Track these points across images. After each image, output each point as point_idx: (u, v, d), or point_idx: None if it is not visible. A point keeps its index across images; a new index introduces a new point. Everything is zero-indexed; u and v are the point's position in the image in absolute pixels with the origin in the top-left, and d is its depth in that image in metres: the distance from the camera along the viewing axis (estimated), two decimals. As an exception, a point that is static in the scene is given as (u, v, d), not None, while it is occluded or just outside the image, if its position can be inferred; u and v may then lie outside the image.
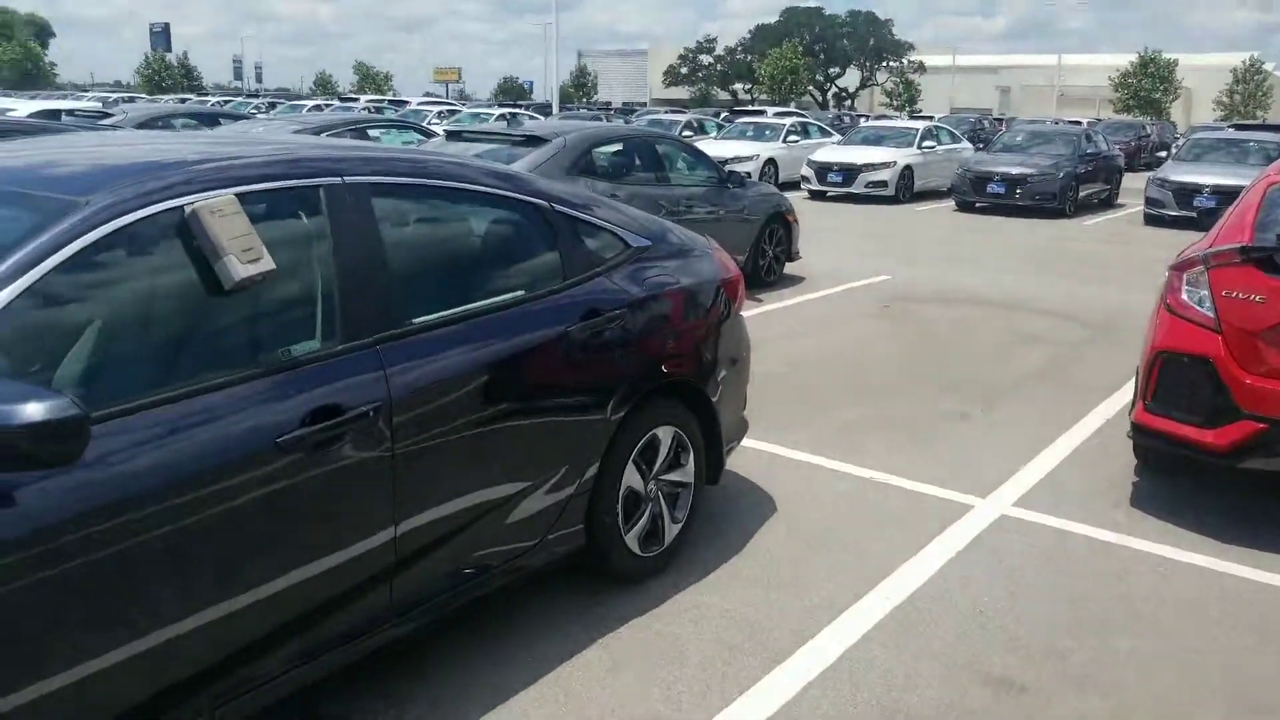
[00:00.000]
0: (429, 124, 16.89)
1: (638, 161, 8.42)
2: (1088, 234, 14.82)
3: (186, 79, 77.96)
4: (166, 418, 2.12)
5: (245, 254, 2.29)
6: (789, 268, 9.89)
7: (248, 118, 14.46)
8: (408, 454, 2.55)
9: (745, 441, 4.45)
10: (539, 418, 3.00)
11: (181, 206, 2.28)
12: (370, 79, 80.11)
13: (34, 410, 1.75)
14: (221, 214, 2.29)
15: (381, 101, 31.23)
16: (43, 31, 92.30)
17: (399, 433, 2.53)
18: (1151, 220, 15.89)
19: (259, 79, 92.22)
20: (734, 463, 4.46)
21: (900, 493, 4.48)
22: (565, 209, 3.33)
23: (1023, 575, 3.71)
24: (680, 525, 3.67)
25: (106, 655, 2.02)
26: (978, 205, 17.27)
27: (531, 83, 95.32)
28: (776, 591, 3.53)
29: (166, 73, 77.01)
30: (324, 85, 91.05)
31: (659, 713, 2.81)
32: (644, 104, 62.68)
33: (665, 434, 3.53)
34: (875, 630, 3.29)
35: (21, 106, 13.32)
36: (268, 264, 2.33)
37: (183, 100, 30.84)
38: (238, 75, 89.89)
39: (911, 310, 8.62)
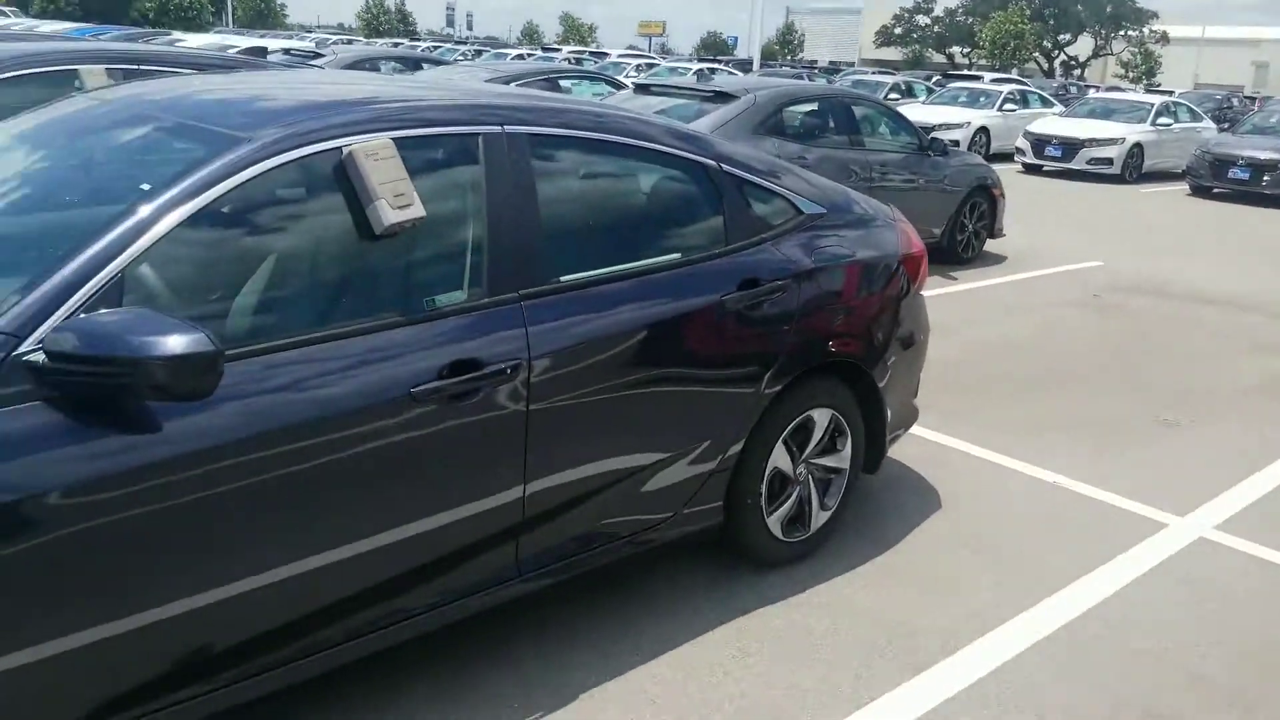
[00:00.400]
0: (626, 77, 16.98)
1: (831, 123, 8.13)
2: (1346, 230, 13.31)
3: (402, 24, 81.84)
4: (304, 359, 2.18)
5: (397, 199, 2.32)
6: (990, 245, 9.38)
7: (450, 63, 14.98)
8: (543, 414, 2.54)
9: (918, 429, 4.27)
10: (684, 388, 2.92)
11: (340, 148, 2.32)
12: (574, 30, 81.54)
13: (174, 344, 1.82)
14: (376, 158, 2.32)
15: (582, 53, 31.64)
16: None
17: (535, 392, 2.51)
18: None
19: (469, 27, 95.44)
20: (902, 451, 4.28)
21: (1084, 501, 4.15)
22: (733, 170, 3.22)
23: (1215, 608, 3.36)
24: (830, 513, 3.53)
25: (230, 585, 2.11)
26: (1215, 191, 15.83)
27: (735, 38, 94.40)
28: (929, 595, 3.34)
29: (384, 17, 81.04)
30: (530, 35, 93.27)
31: (782, 708, 2.72)
32: (851, 64, 60.81)
33: (821, 416, 3.39)
34: (1034, 649, 3.06)
35: (243, 43, 14.28)
36: (418, 211, 2.35)
37: (395, 45, 32.29)
38: (449, 22, 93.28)
39: (1123, 302, 7.99)
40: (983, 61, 60.82)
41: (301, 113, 2.38)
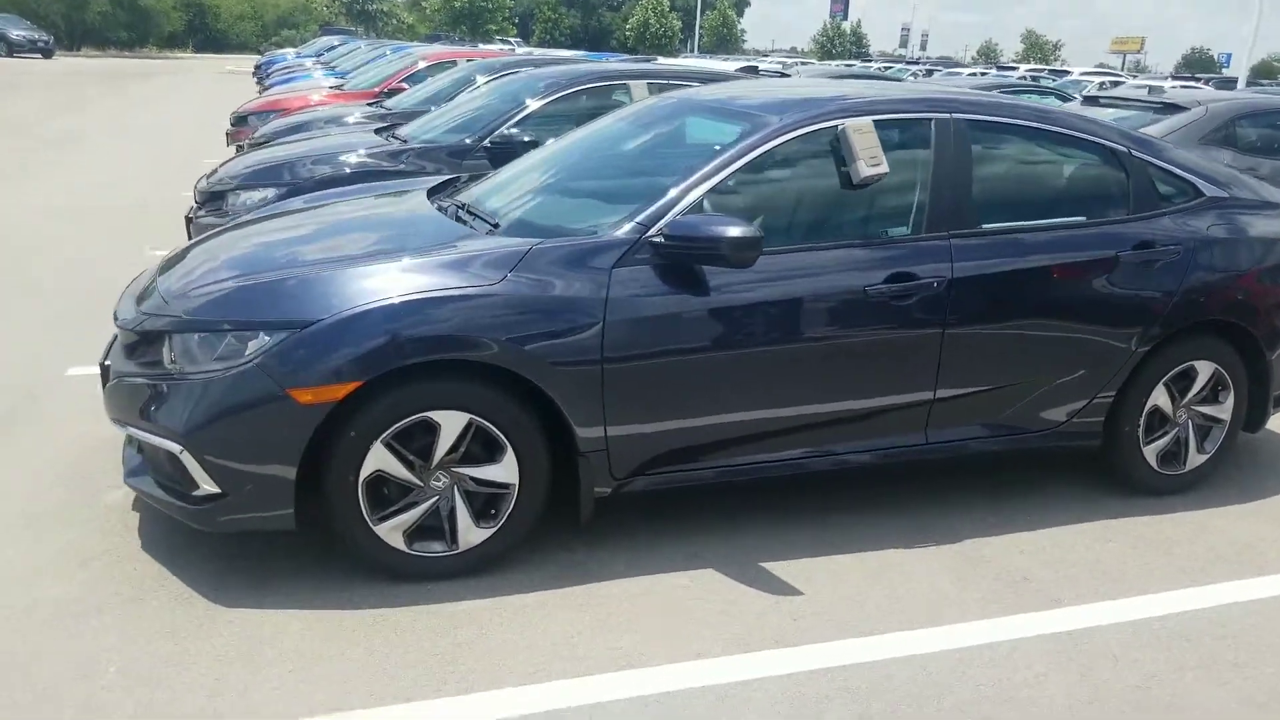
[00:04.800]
0: (1083, 94, 16.92)
1: (1299, 137, 8.08)
2: None
3: (856, 46, 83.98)
4: (805, 261, 3.42)
5: (870, 161, 3.48)
6: None
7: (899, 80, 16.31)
8: (958, 319, 3.56)
9: None
10: (1076, 322, 3.77)
11: (836, 125, 3.54)
12: (1036, 47, 78.52)
13: (736, 230, 3.10)
14: (860, 132, 3.50)
15: (1041, 71, 31.05)
16: (740, 1, 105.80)
17: (952, 304, 3.54)
18: None
19: (923, 47, 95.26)
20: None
21: None
22: (1143, 155, 4.02)
23: None
24: (1207, 457, 4.14)
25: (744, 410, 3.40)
26: None
27: (1228, 56, 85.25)
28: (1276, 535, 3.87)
29: (838, 39, 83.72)
30: (986, 54, 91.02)
31: (1130, 573, 3.49)
32: (1376, 84, 52.52)
33: (1204, 368, 4.03)
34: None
35: (730, 66, 16.46)
36: (884, 169, 3.50)
37: (848, 65, 34.05)
38: (903, 43, 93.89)
39: None
40: None
41: (810, 104, 3.64)
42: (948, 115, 3.71)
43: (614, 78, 6.71)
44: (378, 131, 7.17)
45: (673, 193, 3.36)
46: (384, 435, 3.03)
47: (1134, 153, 4.00)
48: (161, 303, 3.28)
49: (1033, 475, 4.19)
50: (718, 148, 3.51)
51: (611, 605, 3.16)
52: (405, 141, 6.51)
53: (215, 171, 6.69)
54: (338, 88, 13.60)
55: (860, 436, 3.62)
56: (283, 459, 2.97)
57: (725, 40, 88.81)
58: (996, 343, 3.69)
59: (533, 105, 6.39)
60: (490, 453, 3.17)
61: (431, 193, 4.25)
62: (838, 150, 3.54)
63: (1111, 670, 2.95)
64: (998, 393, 3.75)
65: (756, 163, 3.48)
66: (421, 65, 12.66)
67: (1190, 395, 4.07)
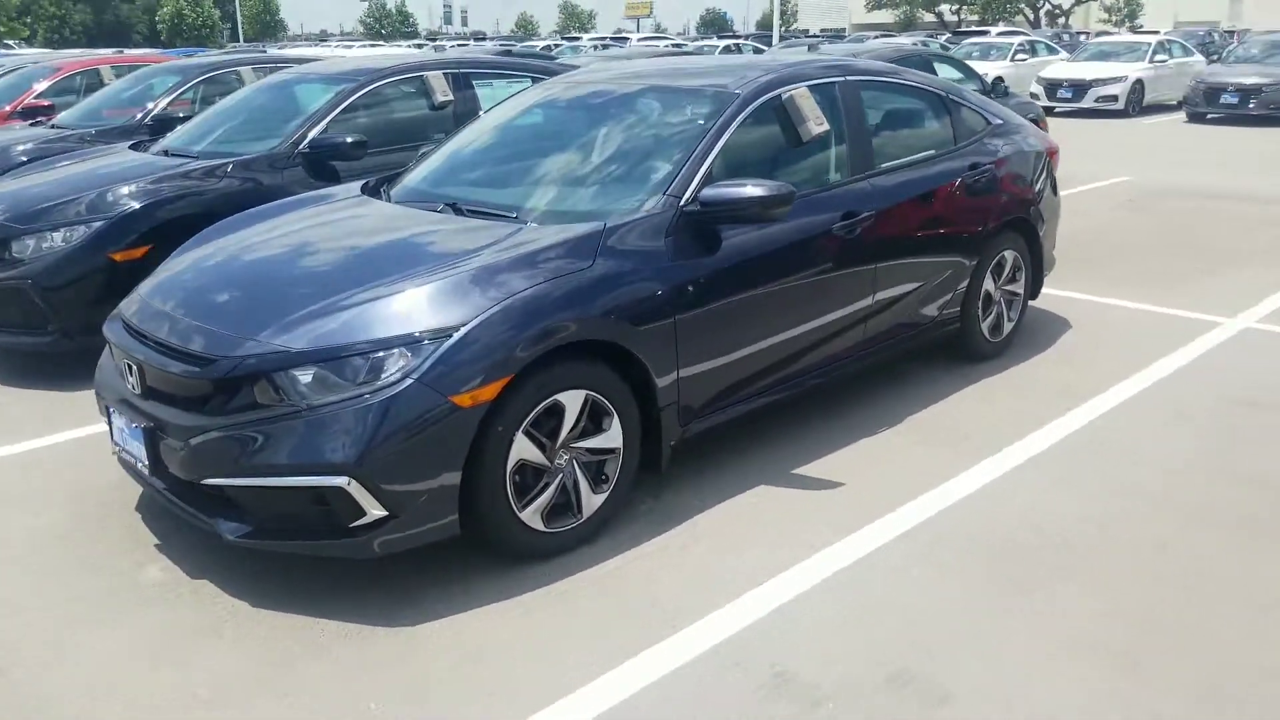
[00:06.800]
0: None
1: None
2: (1329, 140, 14.94)
3: (403, 24, 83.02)
4: (796, 207, 3.87)
5: (816, 121, 4.05)
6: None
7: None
8: (881, 243, 4.28)
9: (1046, 289, 6.03)
10: (944, 232, 4.67)
11: (780, 94, 4.06)
12: (575, 18, 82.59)
13: (763, 190, 3.50)
14: (803, 98, 4.06)
15: (603, 40, 33.18)
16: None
17: (880, 229, 4.25)
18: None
19: (464, 23, 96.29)
20: (1042, 301, 6.04)
21: (1162, 316, 5.91)
22: (953, 96, 4.99)
23: (1268, 361, 5.10)
24: (1014, 324, 5.27)
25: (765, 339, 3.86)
26: (1209, 117, 17.50)
27: (730, 17, 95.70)
28: (1077, 370, 5.08)
29: (385, 20, 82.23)
30: (525, 26, 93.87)
31: (1005, 417, 4.47)
32: (841, 30, 62.07)
33: (1010, 256, 5.14)
34: (1152, 387, 4.80)
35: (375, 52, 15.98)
36: (825, 126, 4.10)
37: (423, 46, 34.08)
38: (447, 20, 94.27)
39: (1155, 203, 9.71)
40: (973, 17, 61.89)
41: (754, 77, 4.10)
42: (844, 78, 4.38)
43: (409, 70, 6.56)
44: (134, 148, 6.43)
45: (689, 165, 3.69)
46: (524, 424, 3.12)
47: (949, 95, 4.95)
48: (241, 341, 3.04)
49: (907, 365, 5.06)
50: (701, 121, 3.88)
51: (716, 531, 3.51)
52: (195, 157, 5.94)
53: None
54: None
55: (832, 351, 4.22)
56: (451, 466, 2.97)
57: (269, 27, 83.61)
58: (904, 257, 4.46)
59: (338, 105, 6.09)
60: (597, 423, 3.35)
61: (372, 196, 4.18)
62: (785, 114, 4.05)
63: (1081, 475, 3.88)
64: (905, 299, 4.52)
65: (737, 132, 3.89)
66: (43, 85, 11.15)
67: (1002, 277, 5.15)
